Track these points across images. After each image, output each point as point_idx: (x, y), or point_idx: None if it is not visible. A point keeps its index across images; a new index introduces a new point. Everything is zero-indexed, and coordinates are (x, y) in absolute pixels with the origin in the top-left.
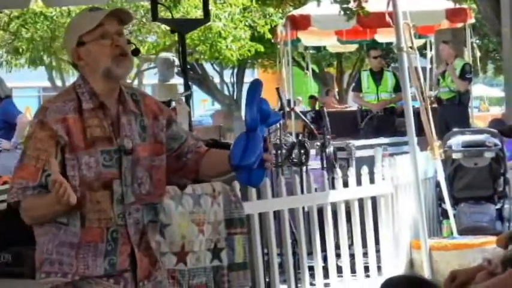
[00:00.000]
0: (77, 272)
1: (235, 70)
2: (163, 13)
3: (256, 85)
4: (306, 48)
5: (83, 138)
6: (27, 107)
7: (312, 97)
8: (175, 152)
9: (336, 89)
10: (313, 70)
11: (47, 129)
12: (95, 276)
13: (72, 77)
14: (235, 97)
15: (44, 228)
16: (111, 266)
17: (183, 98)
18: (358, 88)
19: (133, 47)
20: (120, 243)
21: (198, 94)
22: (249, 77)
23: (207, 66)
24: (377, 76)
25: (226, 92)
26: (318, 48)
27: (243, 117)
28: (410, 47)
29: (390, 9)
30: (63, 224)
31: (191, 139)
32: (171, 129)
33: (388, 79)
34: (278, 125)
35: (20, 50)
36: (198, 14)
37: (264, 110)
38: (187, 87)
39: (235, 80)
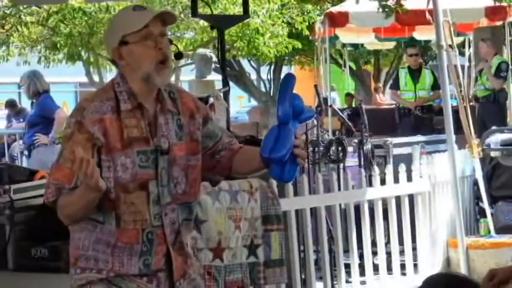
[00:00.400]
0: (112, 269)
1: (272, 67)
2: (202, 9)
3: (289, 79)
4: (344, 45)
5: (120, 139)
6: (64, 102)
7: (348, 94)
8: (210, 150)
9: (373, 86)
10: (350, 67)
11: (84, 131)
12: (129, 274)
13: (109, 72)
14: (271, 94)
15: (80, 225)
16: (145, 266)
17: (222, 94)
18: (396, 86)
19: (175, 49)
20: (155, 243)
21: (235, 91)
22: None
23: (244, 63)
24: (415, 74)
25: (263, 89)
26: (355, 46)
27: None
28: (450, 45)
29: (430, 6)
30: (99, 222)
31: (226, 137)
32: (206, 127)
33: (426, 77)
34: (315, 121)
35: (58, 45)
36: (236, 10)
37: (297, 106)
38: (225, 83)
39: (272, 76)
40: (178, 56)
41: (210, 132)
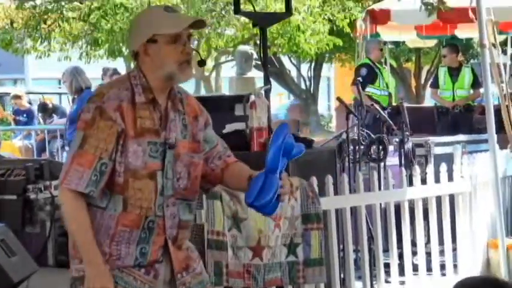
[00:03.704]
0: (109, 260)
1: (313, 64)
2: (243, 6)
3: (282, 128)
4: (385, 43)
5: (133, 127)
6: None
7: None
8: (206, 154)
9: (414, 84)
10: (391, 65)
11: (107, 118)
12: (126, 266)
13: None
14: (312, 91)
15: None
16: (142, 255)
17: (263, 92)
18: (435, 84)
19: (199, 58)
20: (154, 233)
21: (274, 88)
22: (326, 70)
23: (285, 60)
24: (454, 72)
25: (303, 86)
26: (396, 43)
27: (318, 112)
28: (493, 44)
29: (473, 4)
30: (100, 207)
31: (221, 146)
32: (205, 131)
33: (466, 76)
34: (356, 120)
35: (99, 41)
36: (278, 6)
37: (287, 145)
38: (267, 81)
39: (312, 74)
40: (201, 63)
41: (208, 137)
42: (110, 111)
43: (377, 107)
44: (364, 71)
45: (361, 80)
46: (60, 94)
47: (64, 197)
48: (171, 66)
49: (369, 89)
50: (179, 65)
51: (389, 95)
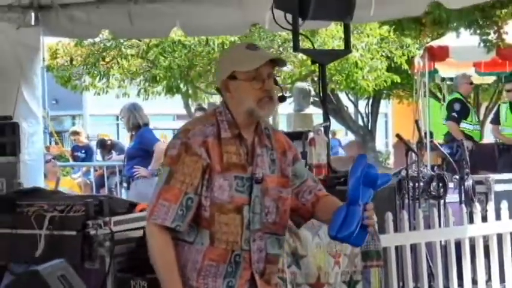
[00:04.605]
0: None
1: (371, 100)
2: (302, 42)
3: (361, 159)
4: (443, 79)
5: (219, 162)
6: (162, 134)
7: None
8: (296, 189)
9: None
10: None
11: (192, 153)
12: None
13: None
14: (369, 128)
15: None
16: None
17: (322, 129)
18: (496, 121)
19: (280, 92)
20: (241, 267)
21: (332, 124)
22: (383, 107)
23: (342, 96)
24: None
25: (361, 123)
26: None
27: (376, 149)
28: None
29: None
30: (187, 242)
31: (311, 180)
32: (295, 166)
33: None
34: (415, 157)
35: (158, 78)
36: (335, 44)
37: (370, 175)
38: (326, 118)
39: (370, 110)
40: (282, 99)
41: (298, 172)
42: (195, 146)
43: (436, 143)
44: (457, 106)
45: (456, 116)
46: (118, 128)
47: (151, 232)
48: (250, 103)
49: (463, 124)
50: (258, 102)
51: (481, 130)
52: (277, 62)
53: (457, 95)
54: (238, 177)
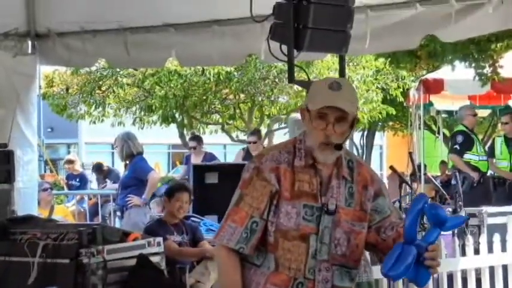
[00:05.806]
0: None
1: (365, 132)
2: (297, 73)
3: (420, 199)
4: (438, 112)
5: (290, 189)
6: (156, 163)
7: (442, 162)
8: (376, 225)
9: None
10: (444, 134)
11: (263, 178)
12: None
13: (202, 135)
14: (364, 159)
15: None
16: None
17: None
18: (491, 154)
19: (346, 139)
20: None
21: None
22: (378, 139)
23: None
24: (510, 142)
25: (356, 154)
26: (450, 113)
27: None
28: None
29: None
30: (255, 265)
31: (395, 217)
32: (376, 201)
33: None
34: (409, 189)
35: (153, 107)
36: (331, 75)
37: (436, 215)
38: None
39: (365, 142)
40: (338, 147)
41: (379, 207)
42: (266, 172)
43: (430, 176)
44: (460, 138)
45: (458, 148)
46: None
47: (217, 252)
48: (313, 141)
49: (467, 156)
50: (319, 144)
51: (488, 160)
52: (344, 109)
53: (461, 127)
54: (308, 206)
